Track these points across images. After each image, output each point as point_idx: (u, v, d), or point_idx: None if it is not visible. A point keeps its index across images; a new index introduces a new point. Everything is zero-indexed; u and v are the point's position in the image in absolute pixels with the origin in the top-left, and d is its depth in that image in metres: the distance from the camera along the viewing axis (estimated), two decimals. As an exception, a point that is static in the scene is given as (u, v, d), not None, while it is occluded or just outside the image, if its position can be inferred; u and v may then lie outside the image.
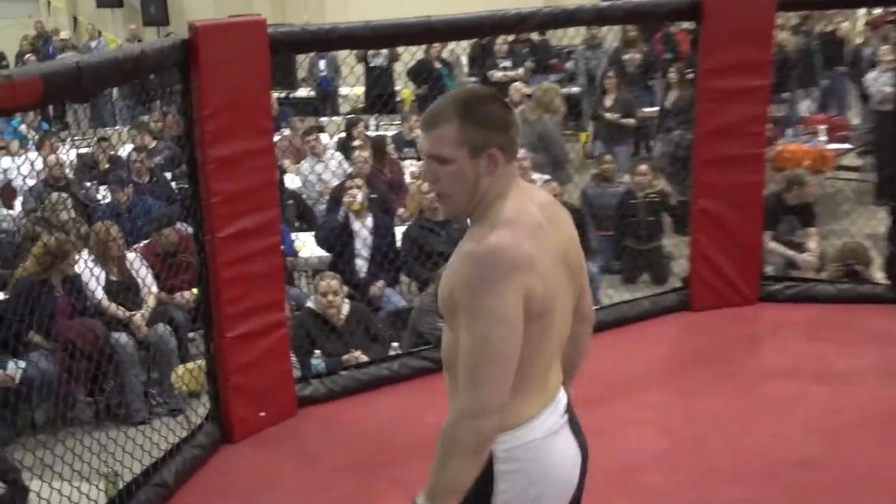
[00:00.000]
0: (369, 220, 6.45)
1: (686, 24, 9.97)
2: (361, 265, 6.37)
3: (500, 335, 1.91)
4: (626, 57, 10.11)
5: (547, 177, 7.14)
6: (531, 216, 2.01)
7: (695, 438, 4.10)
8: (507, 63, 11.08)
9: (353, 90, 11.29)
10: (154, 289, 5.73)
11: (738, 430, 4.13)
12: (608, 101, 9.19)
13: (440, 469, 1.96)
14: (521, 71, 10.93)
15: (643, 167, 7.34)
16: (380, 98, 10.06)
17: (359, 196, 6.38)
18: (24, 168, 7.10)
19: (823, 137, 8.79)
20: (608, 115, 9.08)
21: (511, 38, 10.78)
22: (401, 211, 7.28)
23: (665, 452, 4.00)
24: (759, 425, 4.15)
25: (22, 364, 5.06)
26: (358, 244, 6.38)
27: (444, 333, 2.05)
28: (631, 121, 9.15)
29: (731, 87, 5.09)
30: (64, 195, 6.63)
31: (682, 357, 4.98)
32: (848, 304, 5.41)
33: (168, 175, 7.97)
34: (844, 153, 8.97)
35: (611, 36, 10.26)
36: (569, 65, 11.24)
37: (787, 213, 6.54)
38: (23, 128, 9.45)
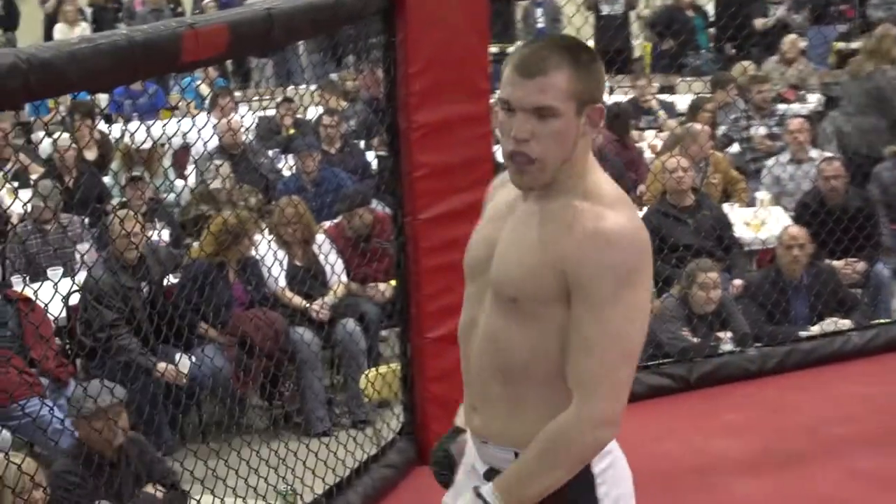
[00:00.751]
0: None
1: None
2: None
3: (637, 332, 2.04)
4: None
5: (828, 154, 6.87)
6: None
7: None
8: (782, 11, 10.73)
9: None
10: (344, 278, 5.90)
11: None
12: None
13: (538, 475, 2.04)
14: (797, 18, 10.59)
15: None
16: (619, 54, 9.98)
17: None
18: (203, 132, 7.45)
19: None
20: None
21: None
22: (640, 190, 7.21)
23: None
24: None
25: (193, 359, 5.34)
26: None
27: (505, 328, 2.10)
28: None
29: None
30: (217, 162, 6.89)
31: None
32: None
33: (361, 144, 8.19)
34: None
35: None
36: (879, 13, 10.71)
37: None
38: (203, 87, 9.91)
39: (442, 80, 4.06)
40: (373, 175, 7.30)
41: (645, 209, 6.74)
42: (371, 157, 7.83)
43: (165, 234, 6.47)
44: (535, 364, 2.08)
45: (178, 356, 5.31)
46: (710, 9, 11.39)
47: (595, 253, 1.99)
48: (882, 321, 5.51)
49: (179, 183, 7.73)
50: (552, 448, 2.03)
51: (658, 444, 4.25)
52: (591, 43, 10.91)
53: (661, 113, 9.11)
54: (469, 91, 4.15)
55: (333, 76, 9.77)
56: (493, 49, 10.41)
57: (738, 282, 6.09)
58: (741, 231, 6.47)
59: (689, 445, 4.39)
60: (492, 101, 5.11)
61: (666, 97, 9.66)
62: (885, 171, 7.20)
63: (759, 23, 10.70)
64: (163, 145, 7.19)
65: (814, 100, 9.26)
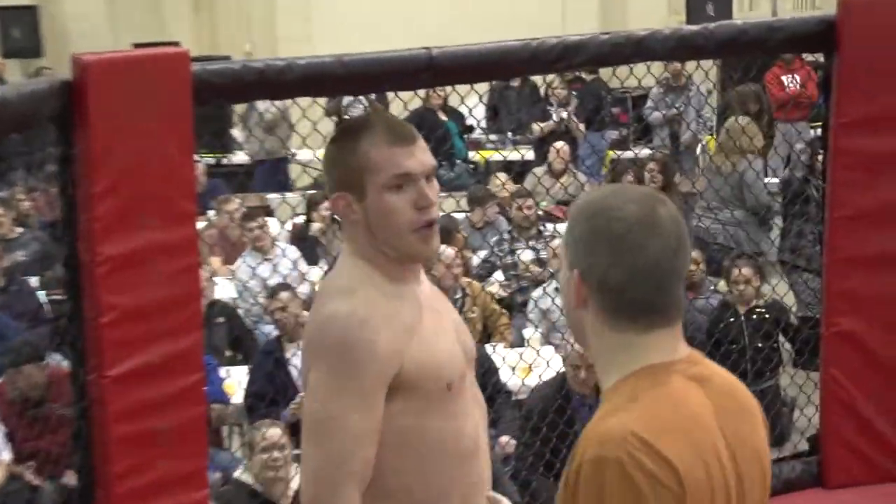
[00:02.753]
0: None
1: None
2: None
3: None
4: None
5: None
6: None
7: None
8: (565, 112, 11.23)
9: (317, 154, 11.41)
10: (5, 455, 5.69)
11: None
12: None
13: None
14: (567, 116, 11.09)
15: (745, 270, 7.34)
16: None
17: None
18: None
19: None
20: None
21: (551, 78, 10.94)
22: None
23: None
24: None
25: None
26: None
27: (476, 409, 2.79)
28: None
29: (883, 149, 5.13)
30: None
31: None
32: None
33: (34, 281, 7.99)
34: None
35: (699, 75, 10.40)
36: (654, 115, 11.30)
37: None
38: None
39: (135, 201, 3.99)
40: (47, 321, 7.12)
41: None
42: (45, 297, 7.64)
43: None
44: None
45: None
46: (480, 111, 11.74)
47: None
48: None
49: None
50: None
51: None
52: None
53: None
54: (170, 214, 4.09)
55: (-1, 195, 9.52)
56: (203, 160, 10.46)
57: (505, 439, 6.17)
58: (506, 376, 6.54)
59: None
60: (201, 224, 5.08)
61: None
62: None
63: (537, 127, 11.14)
64: None
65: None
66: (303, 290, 7.88)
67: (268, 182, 11.07)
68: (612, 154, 12.09)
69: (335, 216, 2.72)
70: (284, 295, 6.75)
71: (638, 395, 2.08)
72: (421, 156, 2.60)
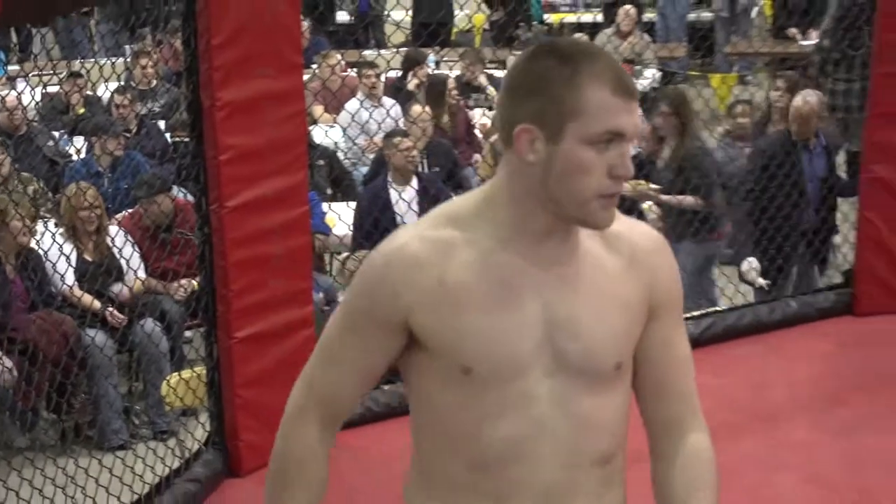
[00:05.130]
0: (414, 184, 6.55)
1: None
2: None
3: None
4: None
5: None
6: None
7: (859, 491, 4.07)
8: None
9: (408, 15, 11.34)
10: (141, 273, 5.84)
11: (918, 480, 4.09)
12: None
13: None
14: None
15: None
16: (442, 27, 10.10)
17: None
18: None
19: None
20: None
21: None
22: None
23: (817, 508, 3.97)
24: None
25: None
26: (399, 216, 6.44)
27: (600, 405, 1.98)
28: None
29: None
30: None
31: (843, 379, 4.94)
32: None
33: (162, 124, 8.10)
34: None
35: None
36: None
37: None
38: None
39: (249, 52, 4.05)
40: (173, 159, 7.23)
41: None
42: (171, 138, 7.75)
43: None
44: (625, 426, 2.02)
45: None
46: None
47: (670, 261, 2.02)
48: (715, 309, 5.71)
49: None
50: (715, 478, 2.04)
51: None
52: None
53: (491, 90, 9.23)
54: (280, 65, 4.16)
55: (129, 48, 9.59)
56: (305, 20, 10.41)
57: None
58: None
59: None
60: (305, 77, 5.14)
61: (497, 73, 9.80)
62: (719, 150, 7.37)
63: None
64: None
65: (649, 75, 9.54)
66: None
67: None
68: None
69: (500, 144, 1.95)
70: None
71: None
72: (637, 117, 1.87)
